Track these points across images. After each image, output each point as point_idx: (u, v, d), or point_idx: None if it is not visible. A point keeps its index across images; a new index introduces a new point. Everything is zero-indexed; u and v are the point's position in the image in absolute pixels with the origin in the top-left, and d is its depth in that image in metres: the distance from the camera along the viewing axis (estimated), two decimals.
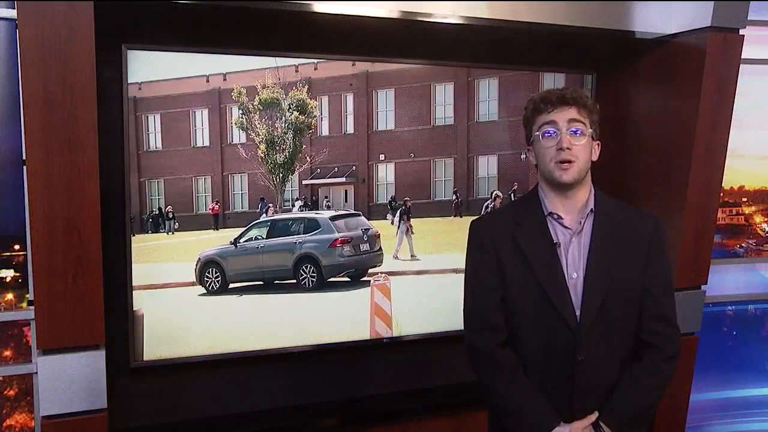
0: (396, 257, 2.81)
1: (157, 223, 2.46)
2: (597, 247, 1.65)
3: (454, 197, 2.85)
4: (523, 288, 1.66)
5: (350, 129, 2.70)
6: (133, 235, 2.35)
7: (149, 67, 2.32)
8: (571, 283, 1.64)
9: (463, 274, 1.78)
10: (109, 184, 2.10)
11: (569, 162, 1.60)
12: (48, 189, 1.84)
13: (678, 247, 2.54)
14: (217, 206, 2.58)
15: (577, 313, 1.63)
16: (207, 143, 2.53)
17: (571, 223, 1.67)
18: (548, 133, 1.62)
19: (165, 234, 2.48)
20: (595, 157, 1.67)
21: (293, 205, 2.65)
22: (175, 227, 2.50)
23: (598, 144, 1.68)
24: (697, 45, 2.44)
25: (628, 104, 2.80)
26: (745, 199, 3.48)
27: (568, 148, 1.59)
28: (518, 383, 1.66)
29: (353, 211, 2.76)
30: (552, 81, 2.87)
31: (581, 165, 1.62)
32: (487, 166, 2.90)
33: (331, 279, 2.68)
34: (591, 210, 1.67)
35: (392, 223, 2.79)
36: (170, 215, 2.48)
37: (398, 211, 2.80)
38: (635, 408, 1.67)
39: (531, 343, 1.67)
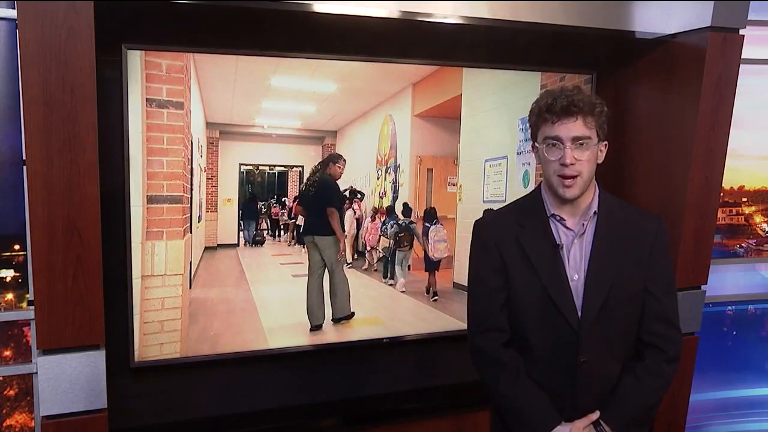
0: None
1: None
2: (599, 249, 1.65)
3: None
4: (526, 289, 1.66)
5: None
6: None
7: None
8: (573, 285, 1.64)
9: (467, 275, 1.77)
10: (109, 184, 2.10)
11: (572, 177, 1.58)
12: (48, 189, 1.84)
13: (678, 247, 2.54)
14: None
15: (579, 314, 1.63)
16: None
17: (574, 225, 1.67)
18: (552, 144, 1.58)
19: None
20: (600, 159, 1.64)
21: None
22: None
23: (605, 144, 1.64)
24: (697, 45, 2.44)
25: (628, 104, 2.80)
26: (745, 199, 3.48)
27: (571, 164, 1.57)
28: (521, 383, 1.66)
29: None
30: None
31: (585, 178, 1.60)
32: None
33: None
34: (594, 212, 1.66)
35: None
36: None
37: None
38: (637, 408, 1.67)
39: (534, 343, 1.67)
